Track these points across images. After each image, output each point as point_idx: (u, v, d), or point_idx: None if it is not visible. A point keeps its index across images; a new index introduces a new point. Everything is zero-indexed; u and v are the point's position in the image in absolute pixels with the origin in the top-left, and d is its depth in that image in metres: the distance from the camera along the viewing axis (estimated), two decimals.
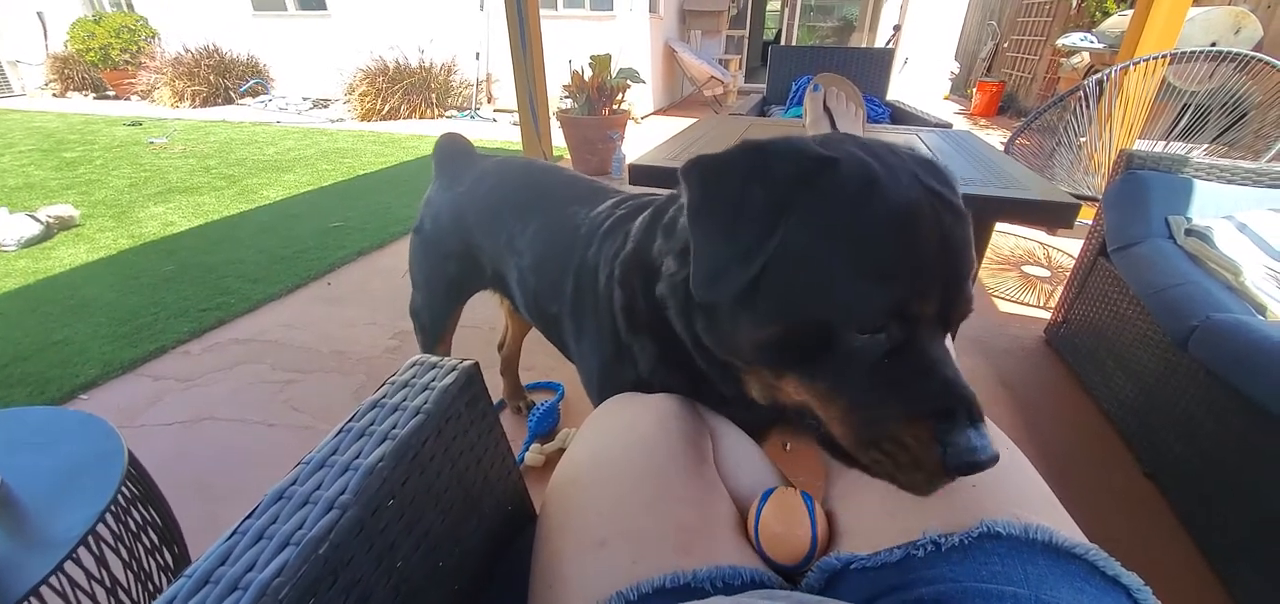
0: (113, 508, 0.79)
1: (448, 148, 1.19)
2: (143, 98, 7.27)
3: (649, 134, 5.66)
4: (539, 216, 0.93)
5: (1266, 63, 2.45)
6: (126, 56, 7.47)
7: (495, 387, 1.64)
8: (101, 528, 0.77)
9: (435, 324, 1.23)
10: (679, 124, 2.00)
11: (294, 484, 0.41)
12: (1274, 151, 2.45)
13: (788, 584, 0.50)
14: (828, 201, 0.45)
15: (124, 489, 0.82)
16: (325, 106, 6.93)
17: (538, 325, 0.99)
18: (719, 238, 0.47)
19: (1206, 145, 2.68)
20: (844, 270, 0.44)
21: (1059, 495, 0.49)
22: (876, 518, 0.47)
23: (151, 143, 4.99)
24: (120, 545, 0.83)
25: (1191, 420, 1.29)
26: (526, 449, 1.48)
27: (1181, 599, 1.11)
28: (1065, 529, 0.42)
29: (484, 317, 1.95)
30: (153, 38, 7.68)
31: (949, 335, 0.47)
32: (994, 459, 0.41)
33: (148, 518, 0.91)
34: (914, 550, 0.42)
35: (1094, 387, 1.72)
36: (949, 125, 2.34)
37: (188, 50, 7.14)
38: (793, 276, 0.46)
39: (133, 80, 7.34)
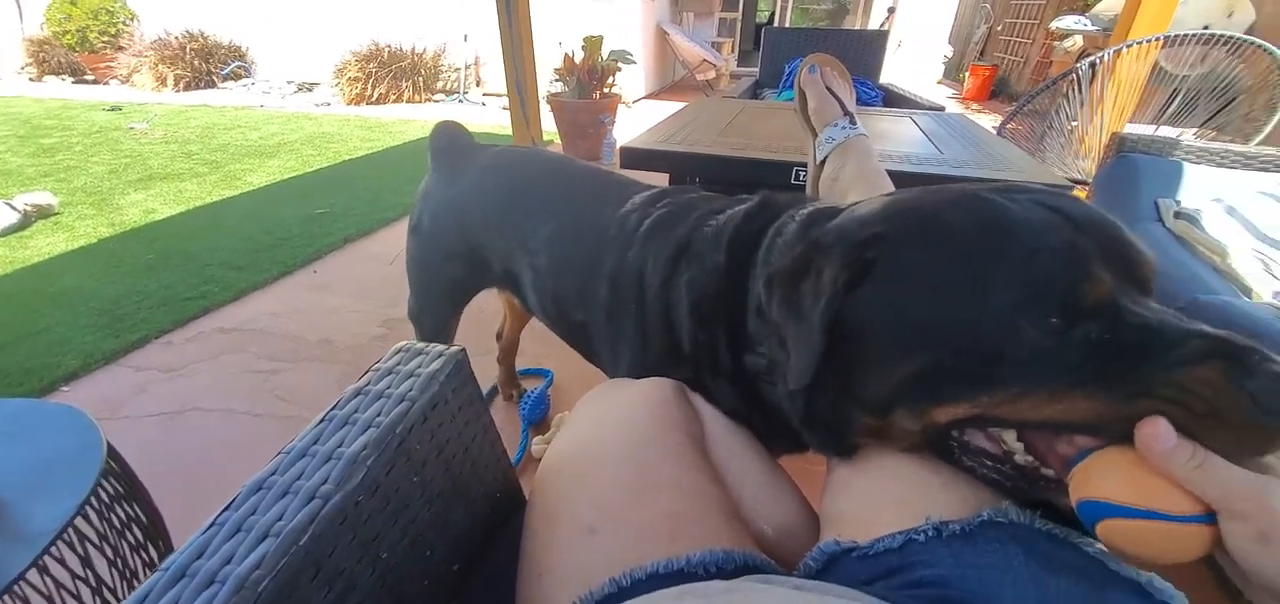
0: (96, 506, 0.77)
1: (445, 138, 1.09)
2: (123, 82, 7.11)
3: (641, 118, 5.62)
4: (556, 216, 0.87)
5: (1259, 46, 2.45)
6: (105, 39, 7.29)
7: (492, 373, 1.63)
8: (85, 527, 0.76)
9: (437, 329, 1.16)
10: (672, 108, 1.99)
11: (274, 474, 0.39)
12: (1263, 135, 2.46)
13: (783, 569, 0.49)
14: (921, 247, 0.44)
15: (106, 486, 0.81)
16: (310, 90, 6.82)
17: (557, 329, 0.93)
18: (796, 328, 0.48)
19: (1196, 129, 2.69)
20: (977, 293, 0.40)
21: None
22: (881, 506, 0.46)
23: (132, 128, 4.88)
24: (105, 544, 0.82)
25: None
26: (524, 440, 1.48)
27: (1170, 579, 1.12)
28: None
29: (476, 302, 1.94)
30: (132, 20, 7.50)
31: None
32: None
33: (132, 514, 0.89)
34: (915, 535, 0.41)
35: None
36: (942, 108, 2.33)
37: (169, 33, 6.98)
38: (918, 316, 0.43)
39: (112, 64, 7.17)
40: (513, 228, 0.91)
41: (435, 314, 1.14)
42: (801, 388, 0.50)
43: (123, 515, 0.87)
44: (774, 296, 0.51)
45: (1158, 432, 0.34)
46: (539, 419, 1.55)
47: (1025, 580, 0.36)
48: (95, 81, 7.38)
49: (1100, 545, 0.39)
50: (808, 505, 0.61)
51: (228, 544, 0.36)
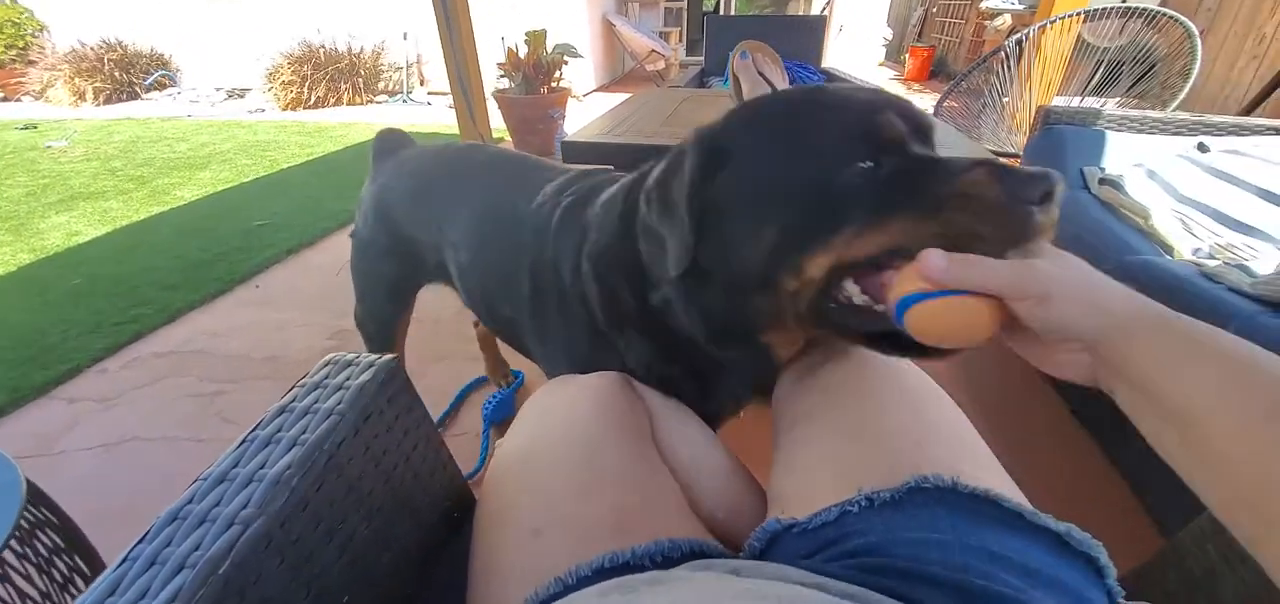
0: (34, 561, 0.73)
1: (383, 143, 1.11)
2: (37, 98, 6.63)
3: (592, 112, 5.56)
4: (469, 205, 0.88)
5: (1171, 17, 2.59)
6: (13, 53, 6.79)
7: (475, 370, 1.64)
8: (26, 586, 0.72)
9: (382, 332, 1.14)
10: (622, 100, 1.98)
11: (190, 503, 0.38)
12: (1178, 101, 2.61)
13: (728, 551, 0.50)
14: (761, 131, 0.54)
15: (43, 538, 0.76)
16: (241, 97, 6.51)
17: (487, 323, 0.94)
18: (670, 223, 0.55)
19: (1119, 98, 2.83)
20: (803, 148, 0.50)
21: (992, 437, 0.51)
22: (819, 483, 0.48)
23: (49, 146, 4.57)
24: (48, 603, 0.77)
25: None
26: (485, 443, 1.45)
27: (1108, 528, 1.19)
28: (998, 484, 0.43)
29: (447, 309, 1.89)
30: (41, 31, 7.01)
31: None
32: (1060, 178, 0.42)
33: (73, 566, 0.84)
34: (849, 507, 0.43)
35: None
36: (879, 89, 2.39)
37: (85, 44, 6.55)
38: (760, 193, 0.52)
39: (22, 79, 6.69)
40: (432, 220, 0.93)
41: (379, 317, 1.13)
42: (683, 280, 0.56)
43: (64, 568, 0.82)
44: (652, 204, 0.58)
45: (930, 258, 0.40)
46: (502, 421, 1.53)
47: (950, 542, 0.38)
48: (5, 99, 6.88)
49: (1029, 507, 0.41)
50: (757, 487, 0.62)
51: (142, 578, 0.34)
